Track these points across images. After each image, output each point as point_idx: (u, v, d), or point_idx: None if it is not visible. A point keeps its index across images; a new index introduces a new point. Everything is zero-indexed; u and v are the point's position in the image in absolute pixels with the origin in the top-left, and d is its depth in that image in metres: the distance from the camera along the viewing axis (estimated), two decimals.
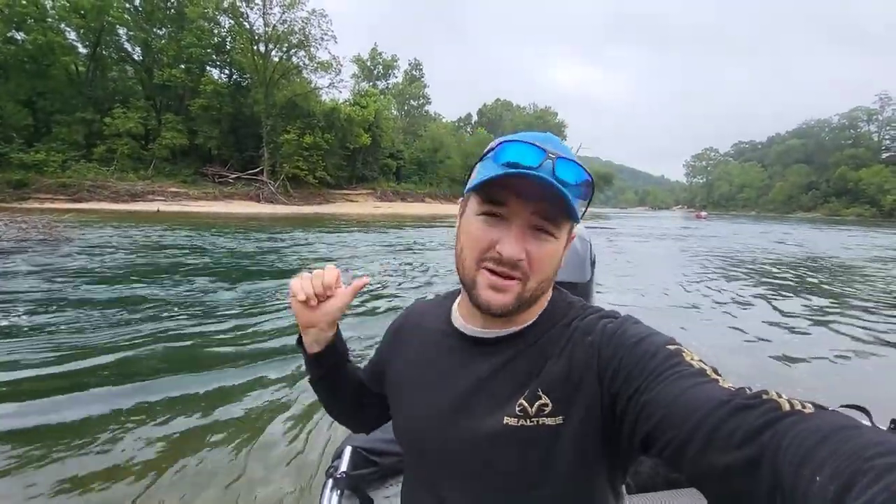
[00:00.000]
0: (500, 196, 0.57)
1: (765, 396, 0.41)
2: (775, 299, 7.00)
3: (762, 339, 4.91)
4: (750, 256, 13.30)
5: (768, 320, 5.75)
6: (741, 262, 11.80)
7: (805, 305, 6.67)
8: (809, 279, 9.36)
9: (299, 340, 0.79)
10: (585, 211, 0.64)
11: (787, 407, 0.39)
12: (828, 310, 6.42)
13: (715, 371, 0.48)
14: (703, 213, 71.43)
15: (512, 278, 0.58)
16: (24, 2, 26.96)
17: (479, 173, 0.60)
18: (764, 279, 9.05)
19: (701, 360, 0.50)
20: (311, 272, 0.73)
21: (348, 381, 0.82)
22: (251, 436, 2.66)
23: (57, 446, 2.43)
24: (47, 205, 21.80)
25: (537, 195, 0.55)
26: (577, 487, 0.57)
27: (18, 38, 27.56)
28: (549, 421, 0.56)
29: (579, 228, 1.34)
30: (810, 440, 0.35)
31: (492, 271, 0.58)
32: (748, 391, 0.43)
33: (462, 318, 0.69)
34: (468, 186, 0.61)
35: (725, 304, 6.68)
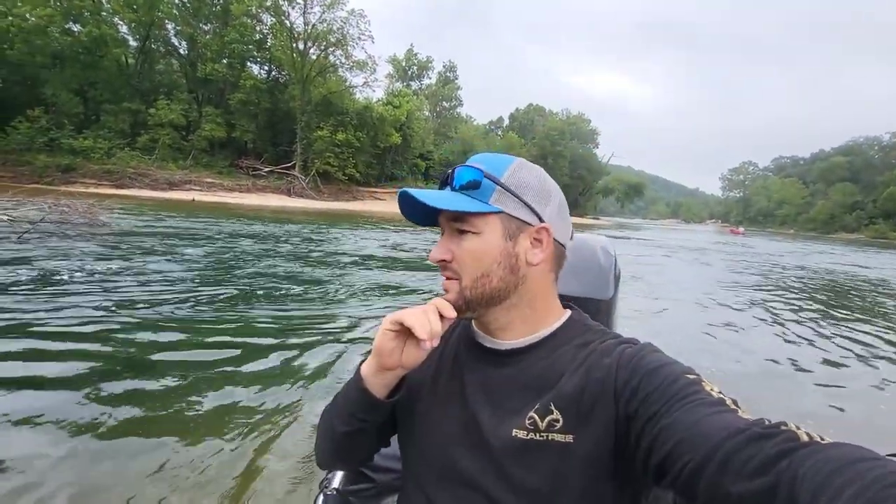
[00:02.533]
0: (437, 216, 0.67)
1: (783, 427, 0.41)
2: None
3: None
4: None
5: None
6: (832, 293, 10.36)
7: None
8: None
9: (358, 382, 0.66)
10: (527, 200, 0.64)
11: (804, 438, 0.39)
12: None
13: (735, 402, 0.48)
14: (740, 229, 68.64)
15: (451, 279, 0.65)
16: None
17: None
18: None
19: (720, 392, 0.50)
20: (420, 305, 0.62)
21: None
22: (244, 439, 2.53)
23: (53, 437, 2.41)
24: (91, 189, 22.79)
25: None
26: None
27: (75, 29, 29.05)
28: (559, 437, 0.56)
29: (604, 241, 1.29)
30: (827, 469, 0.34)
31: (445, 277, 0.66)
32: (767, 422, 0.43)
33: (477, 328, 0.71)
34: None
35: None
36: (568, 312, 0.70)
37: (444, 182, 0.67)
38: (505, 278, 0.63)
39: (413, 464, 0.71)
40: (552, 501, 0.56)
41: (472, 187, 0.63)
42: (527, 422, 0.58)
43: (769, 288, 10.16)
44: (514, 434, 0.58)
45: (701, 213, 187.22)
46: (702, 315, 6.79)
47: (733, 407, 0.47)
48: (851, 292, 10.61)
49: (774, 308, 7.63)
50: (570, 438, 0.56)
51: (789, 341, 5.61)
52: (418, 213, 0.67)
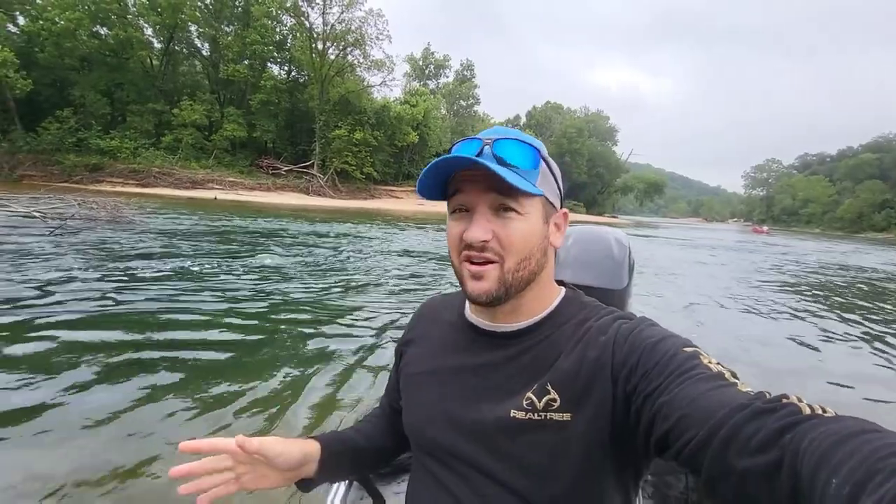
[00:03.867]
0: (458, 190, 0.61)
1: (785, 401, 0.40)
2: None
3: None
4: None
5: None
6: None
7: None
8: None
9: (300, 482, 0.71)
10: (559, 185, 0.65)
11: (807, 411, 0.39)
12: None
13: (733, 375, 0.48)
14: (765, 228, 66.85)
15: (488, 262, 0.59)
16: None
17: None
18: None
19: (719, 364, 0.50)
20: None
21: (374, 445, 0.82)
22: (263, 418, 2.63)
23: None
24: (118, 188, 23.46)
25: (482, 178, 0.58)
26: (584, 486, 0.57)
27: (102, 32, 29.93)
28: (556, 416, 0.56)
29: (617, 232, 1.29)
30: (827, 443, 0.34)
31: (471, 261, 0.60)
32: (767, 395, 0.43)
33: (473, 312, 0.70)
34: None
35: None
36: (563, 291, 0.69)
37: (473, 151, 0.60)
38: (540, 261, 0.62)
39: (417, 446, 0.71)
40: (553, 478, 0.56)
41: (524, 166, 0.59)
42: (524, 402, 0.58)
43: (821, 294, 9.88)
44: (511, 415, 0.58)
45: (723, 211, 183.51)
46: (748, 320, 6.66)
47: (733, 380, 0.47)
48: None
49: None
50: (567, 417, 0.56)
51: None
52: (440, 186, 0.62)
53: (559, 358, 0.60)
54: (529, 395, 0.58)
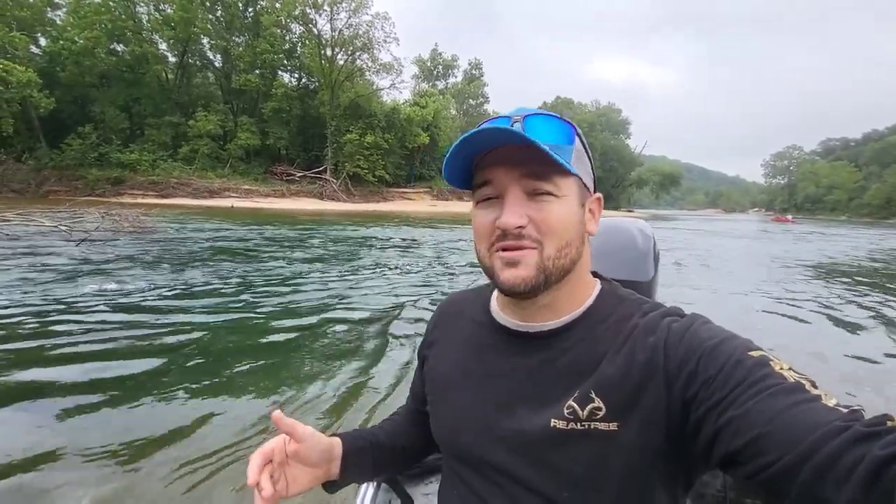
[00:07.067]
0: (485, 177, 0.56)
1: (890, 423, 0.36)
2: None
3: None
4: None
5: None
6: None
7: None
8: None
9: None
10: (593, 167, 0.60)
11: None
12: None
13: (813, 384, 0.43)
14: (789, 217, 64.95)
15: (528, 248, 0.54)
16: (124, 16, 30.09)
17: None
18: None
19: (792, 369, 0.44)
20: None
21: (391, 448, 0.77)
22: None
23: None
24: (139, 199, 24.07)
25: (515, 158, 0.53)
26: (630, 497, 0.52)
27: (119, 49, 30.83)
28: (601, 426, 0.52)
29: (640, 223, 1.26)
30: None
31: (504, 249, 0.55)
32: (863, 413, 0.38)
33: (502, 311, 0.65)
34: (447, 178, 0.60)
35: None
36: (598, 284, 0.63)
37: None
38: (579, 249, 0.56)
39: (448, 453, 0.67)
40: (598, 489, 0.52)
41: (558, 143, 0.54)
42: (565, 411, 0.53)
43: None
44: (552, 424, 0.53)
45: (742, 201, 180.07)
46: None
47: (814, 391, 0.42)
48: None
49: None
50: (614, 427, 0.51)
51: None
52: (468, 169, 0.58)
53: (602, 361, 0.54)
54: (571, 402, 0.53)
